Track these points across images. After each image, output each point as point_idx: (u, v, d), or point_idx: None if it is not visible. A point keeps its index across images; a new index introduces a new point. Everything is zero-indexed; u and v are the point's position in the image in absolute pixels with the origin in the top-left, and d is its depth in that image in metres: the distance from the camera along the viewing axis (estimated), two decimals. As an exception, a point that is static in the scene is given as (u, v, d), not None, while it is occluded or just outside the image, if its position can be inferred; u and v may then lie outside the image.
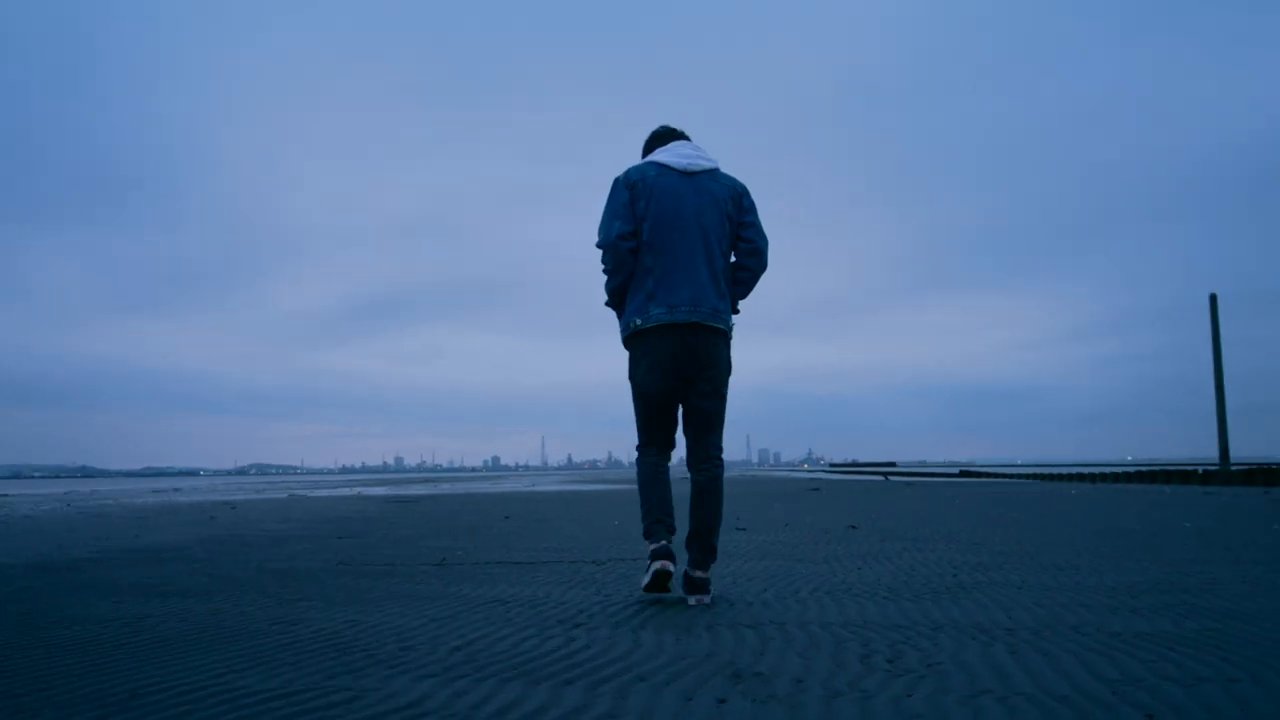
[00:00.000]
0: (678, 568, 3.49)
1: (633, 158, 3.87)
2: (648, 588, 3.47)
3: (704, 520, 3.41)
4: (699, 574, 3.38)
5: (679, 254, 3.40)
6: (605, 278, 3.57)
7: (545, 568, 4.67)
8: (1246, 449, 23.20)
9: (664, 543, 3.43)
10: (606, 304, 3.66)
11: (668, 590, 3.49)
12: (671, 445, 3.68)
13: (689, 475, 3.58)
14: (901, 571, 4.22)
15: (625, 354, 3.66)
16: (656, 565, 3.39)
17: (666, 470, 3.67)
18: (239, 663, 2.47)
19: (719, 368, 3.45)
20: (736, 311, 3.62)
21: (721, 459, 3.53)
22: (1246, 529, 6.45)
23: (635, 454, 3.72)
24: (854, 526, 7.36)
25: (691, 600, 3.33)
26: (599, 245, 3.53)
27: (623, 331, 3.57)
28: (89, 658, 2.59)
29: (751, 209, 3.58)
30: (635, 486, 3.78)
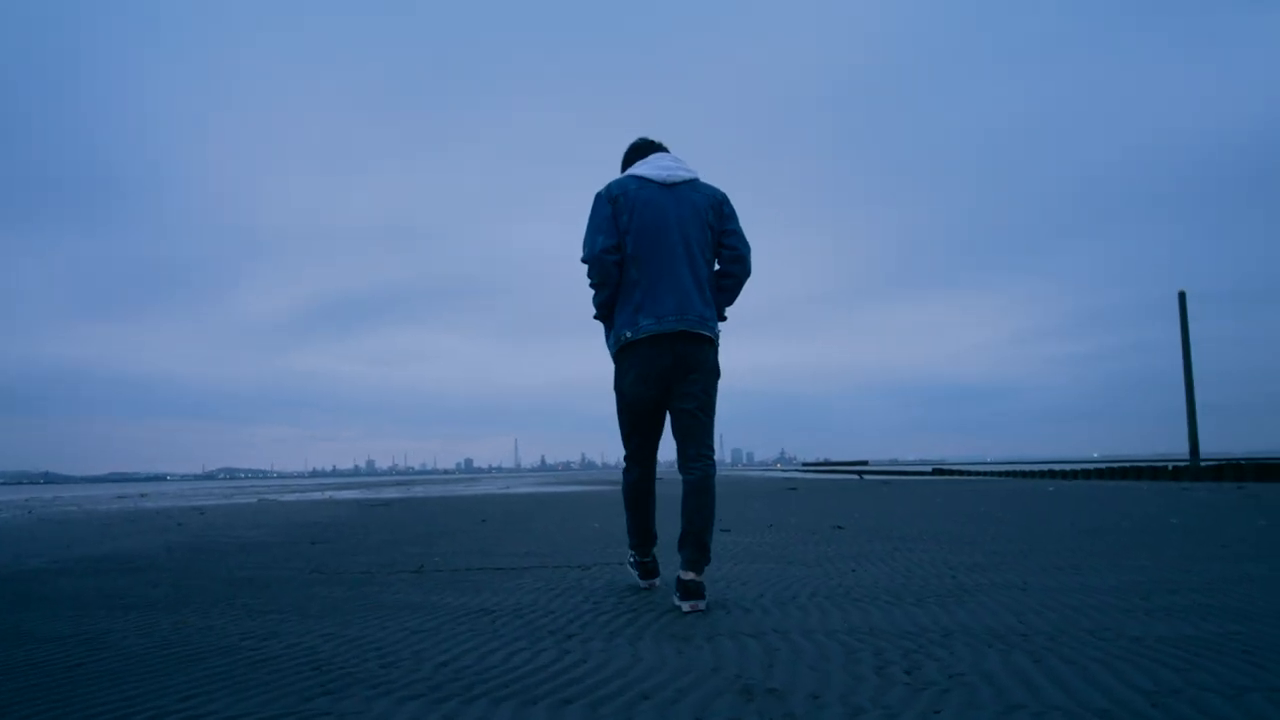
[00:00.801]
0: (670, 571, 3.72)
1: (615, 161, 3.84)
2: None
3: (695, 520, 3.34)
4: (691, 576, 3.26)
5: (663, 265, 3.43)
6: (592, 292, 3.59)
7: (529, 573, 4.50)
8: (1213, 444, 23.52)
9: (650, 559, 3.84)
10: (595, 317, 3.68)
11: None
12: (655, 457, 3.79)
13: (680, 477, 3.53)
14: (898, 573, 4.10)
15: (603, 356, 3.73)
16: (645, 584, 3.83)
17: (653, 487, 3.79)
18: (207, 683, 2.28)
19: (705, 370, 3.45)
20: (723, 319, 3.64)
21: (712, 459, 3.48)
22: (1231, 525, 6.42)
23: (623, 463, 3.83)
24: (840, 527, 7.25)
25: (686, 607, 3.20)
26: (584, 260, 3.53)
27: (613, 345, 3.59)
28: (44, 680, 2.39)
29: (732, 216, 3.61)
30: (611, 488, 3.89)
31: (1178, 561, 4.25)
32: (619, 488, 3.79)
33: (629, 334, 3.45)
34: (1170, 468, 23.72)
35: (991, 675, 2.12)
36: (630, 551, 3.90)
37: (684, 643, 2.63)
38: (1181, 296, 23.62)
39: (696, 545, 3.30)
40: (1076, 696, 1.93)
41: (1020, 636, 2.58)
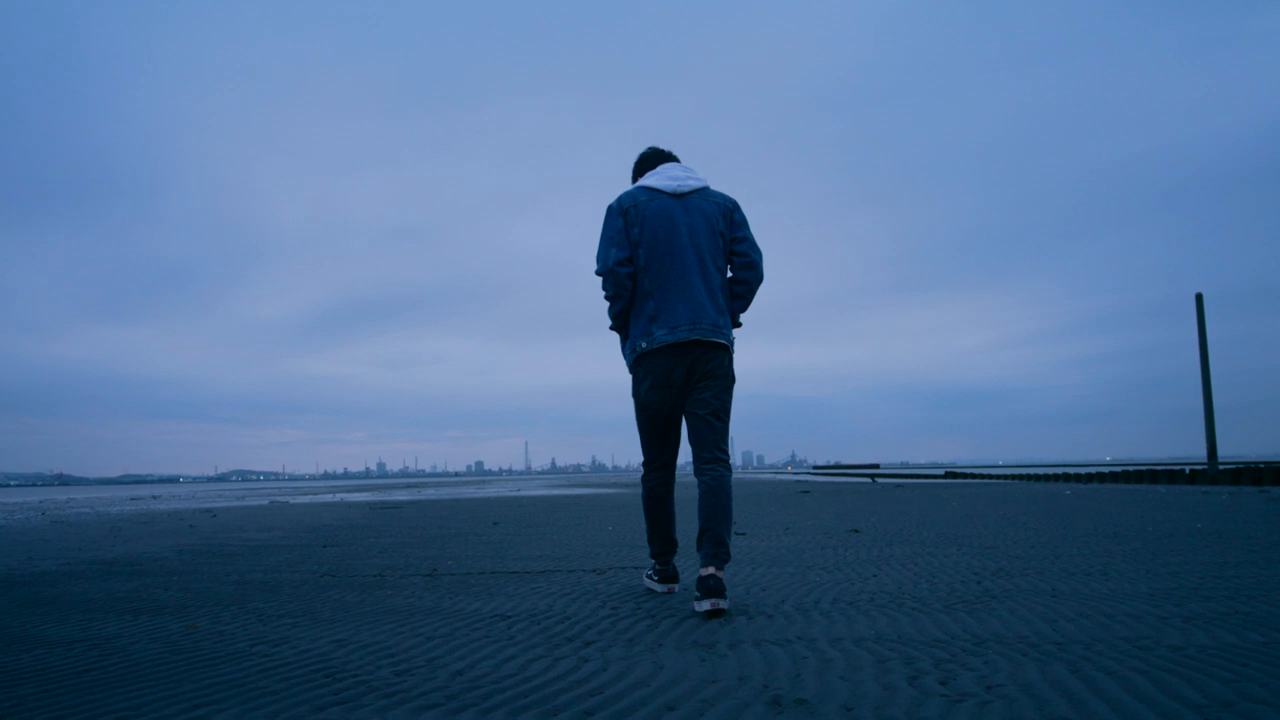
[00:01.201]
0: (689, 575, 3.80)
1: (618, 165, 4.04)
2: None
3: (712, 519, 3.34)
4: (711, 571, 3.22)
5: (675, 275, 3.47)
6: (608, 304, 3.65)
7: (543, 577, 4.42)
8: (1224, 447, 23.22)
9: (670, 567, 3.80)
10: (611, 328, 3.74)
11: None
12: (674, 464, 3.81)
13: (696, 480, 3.53)
14: (921, 579, 4.00)
15: (613, 359, 3.81)
16: (664, 589, 3.76)
17: (671, 492, 3.81)
18: (216, 691, 2.22)
19: (719, 376, 3.49)
20: (738, 325, 3.68)
21: (727, 462, 3.50)
22: (1259, 530, 6.28)
23: (641, 469, 3.88)
24: (856, 530, 7.14)
25: (707, 605, 3.14)
26: (598, 274, 3.60)
27: (629, 356, 3.63)
28: (50, 686, 2.33)
29: (743, 223, 3.65)
30: (622, 490, 3.96)
31: (1210, 567, 4.13)
32: (631, 490, 3.86)
33: (644, 344, 3.50)
34: (1187, 471, 23.48)
35: (1031, 687, 2.03)
36: (650, 560, 3.90)
37: (707, 650, 2.55)
38: (1199, 299, 23.36)
39: (715, 541, 3.29)
40: (1123, 710, 1.84)
41: (1055, 645, 2.48)
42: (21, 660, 2.67)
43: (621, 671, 2.32)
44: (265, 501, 20.54)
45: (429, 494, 25.34)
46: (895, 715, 1.85)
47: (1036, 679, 2.10)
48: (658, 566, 3.81)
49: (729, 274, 3.65)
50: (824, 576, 4.18)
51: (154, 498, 27.66)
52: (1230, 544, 5.24)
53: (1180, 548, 5.08)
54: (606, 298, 3.63)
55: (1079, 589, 3.55)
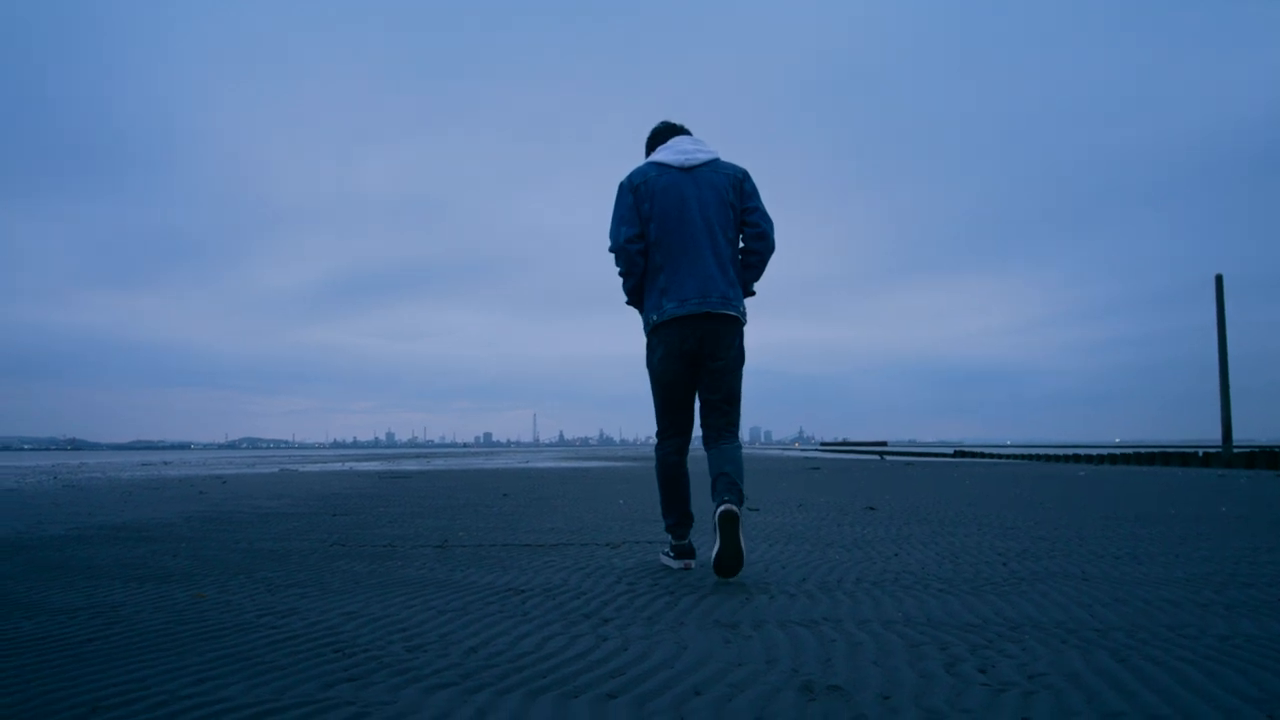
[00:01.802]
0: (707, 550, 3.67)
1: (626, 141, 3.88)
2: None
3: (722, 464, 3.42)
4: (729, 498, 3.29)
5: (685, 249, 3.51)
6: (621, 280, 3.69)
7: (556, 551, 4.34)
8: (1234, 431, 22.98)
9: (686, 542, 3.73)
10: (627, 303, 3.78)
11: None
12: (688, 433, 3.79)
13: (706, 453, 3.60)
14: (944, 559, 3.90)
15: (622, 334, 3.94)
16: (680, 564, 3.67)
17: (685, 462, 3.79)
18: (222, 665, 2.13)
19: (730, 359, 3.54)
20: (752, 294, 3.72)
21: (735, 437, 3.56)
22: (1284, 514, 6.15)
23: (654, 440, 3.84)
24: (872, 508, 7.04)
25: (723, 508, 3.22)
26: (610, 250, 3.66)
27: (644, 328, 3.70)
28: (51, 656, 2.25)
29: (753, 193, 3.66)
30: (632, 464, 3.93)
31: (1243, 553, 4.01)
32: (640, 464, 3.81)
33: (655, 317, 3.56)
34: (1200, 453, 23.27)
35: (1077, 677, 1.92)
36: (665, 534, 3.83)
37: (731, 631, 2.45)
38: (1219, 280, 23.07)
39: (728, 483, 3.34)
40: (1178, 704, 1.73)
41: (1095, 632, 2.37)
42: (22, 628, 2.59)
43: (643, 652, 2.23)
44: (275, 469, 20.58)
45: (438, 464, 25.37)
46: (935, 704, 1.75)
47: (1081, 668, 1.99)
48: (674, 541, 3.73)
49: (741, 245, 3.67)
50: (844, 555, 4.08)
51: (165, 464, 27.77)
52: (1260, 529, 5.12)
53: (1209, 532, 4.96)
54: (619, 274, 3.67)
55: (1110, 573, 3.44)
